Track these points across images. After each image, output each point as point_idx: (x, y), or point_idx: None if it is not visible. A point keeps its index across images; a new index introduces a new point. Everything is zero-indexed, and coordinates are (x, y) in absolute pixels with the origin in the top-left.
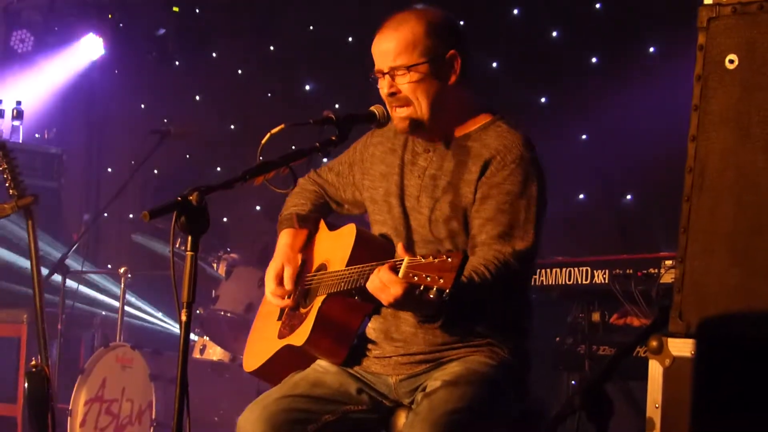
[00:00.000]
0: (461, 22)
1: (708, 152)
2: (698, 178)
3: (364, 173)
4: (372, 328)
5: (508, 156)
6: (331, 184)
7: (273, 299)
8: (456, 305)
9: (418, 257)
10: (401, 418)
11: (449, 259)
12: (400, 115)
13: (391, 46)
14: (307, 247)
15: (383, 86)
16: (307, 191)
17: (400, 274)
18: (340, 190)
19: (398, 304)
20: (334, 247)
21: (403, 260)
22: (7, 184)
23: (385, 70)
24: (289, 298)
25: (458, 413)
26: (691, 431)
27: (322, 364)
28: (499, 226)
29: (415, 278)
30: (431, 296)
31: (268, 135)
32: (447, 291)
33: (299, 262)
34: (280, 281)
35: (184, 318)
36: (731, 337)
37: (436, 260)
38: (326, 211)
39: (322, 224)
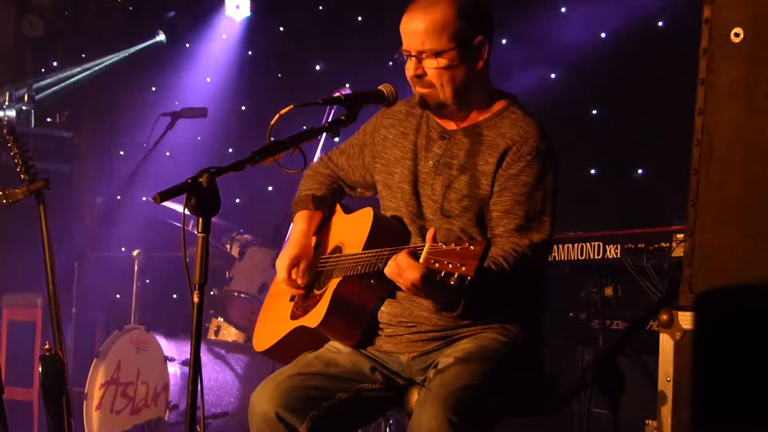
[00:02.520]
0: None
1: (715, 125)
2: (706, 151)
3: (376, 156)
4: (385, 312)
5: (524, 147)
6: (342, 167)
7: (284, 285)
8: (474, 295)
9: (440, 243)
10: (415, 396)
11: (471, 247)
12: (422, 92)
13: (420, 29)
14: (323, 230)
15: (409, 67)
16: (321, 174)
17: (421, 260)
18: (350, 173)
19: (417, 290)
20: (350, 230)
21: (423, 246)
22: (18, 169)
23: (413, 53)
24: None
25: (470, 389)
26: (703, 404)
27: (335, 345)
28: (516, 219)
29: (436, 264)
30: (452, 283)
31: (277, 115)
32: (469, 278)
33: (312, 251)
34: (292, 269)
35: (196, 299)
36: (741, 308)
37: (458, 247)
38: (340, 195)
39: (338, 207)
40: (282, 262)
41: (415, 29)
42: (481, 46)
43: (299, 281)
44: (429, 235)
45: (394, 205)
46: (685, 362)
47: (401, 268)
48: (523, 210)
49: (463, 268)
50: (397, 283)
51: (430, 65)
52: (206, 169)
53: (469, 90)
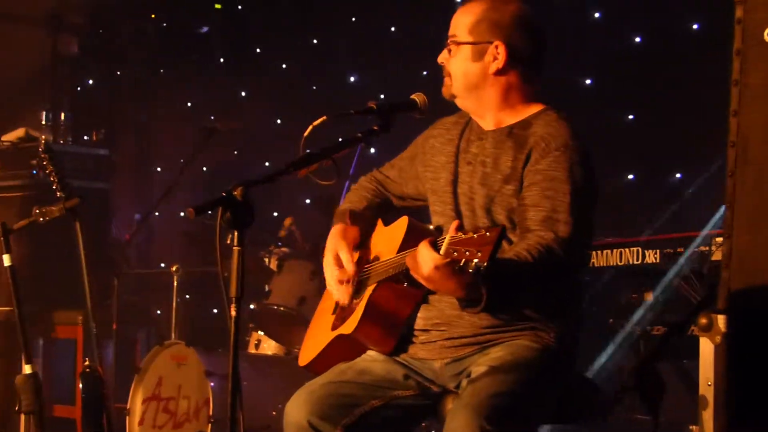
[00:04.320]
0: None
1: (750, 126)
2: (741, 153)
3: (426, 165)
4: (420, 317)
5: (552, 143)
6: (393, 180)
7: (335, 286)
8: (496, 288)
9: (459, 233)
10: (449, 404)
11: (488, 233)
12: (445, 81)
13: (456, 18)
14: (364, 246)
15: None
16: (364, 188)
17: (442, 251)
18: (402, 185)
19: (436, 281)
20: (387, 240)
21: (444, 238)
22: (54, 187)
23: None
24: (349, 283)
25: (502, 397)
26: (745, 407)
27: (369, 354)
28: (542, 212)
29: (455, 254)
30: (470, 270)
31: (310, 127)
32: (485, 265)
33: (350, 245)
34: (340, 265)
35: (233, 313)
36: None
37: (476, 235)
38: (385, 207)
39: (380, 222)
40: (327, 261)
41: (454, 17)
42: (497, 50)
43: (348, 268)
44: (453, 225)
45: (440, 210)
46: (726, 366)
47: (422, 259)
48: (549, 203)
49: (479, 254)
50: (416, 275)
51: (452, 53)
52: (240, 181)
53: (482, 90)
